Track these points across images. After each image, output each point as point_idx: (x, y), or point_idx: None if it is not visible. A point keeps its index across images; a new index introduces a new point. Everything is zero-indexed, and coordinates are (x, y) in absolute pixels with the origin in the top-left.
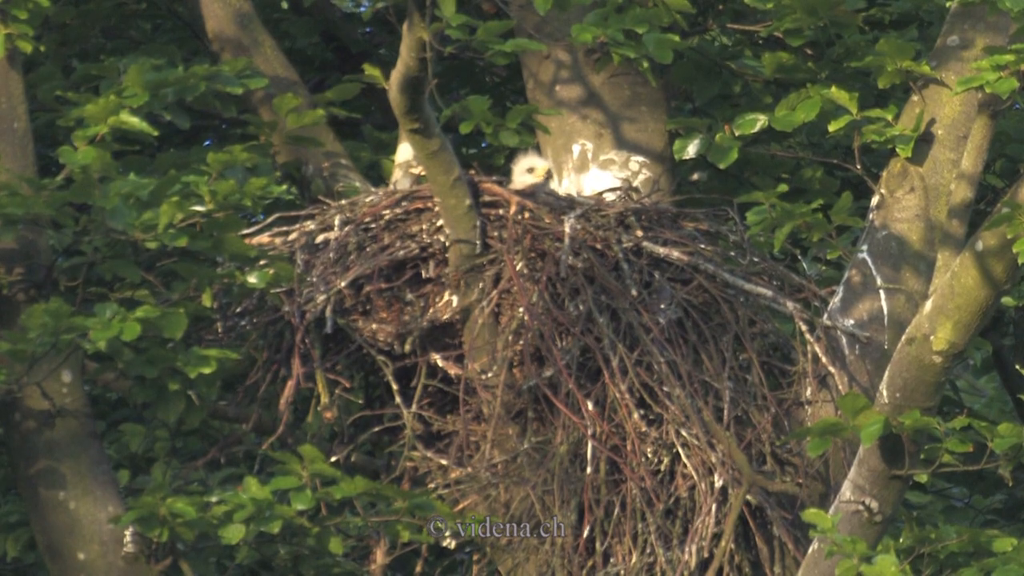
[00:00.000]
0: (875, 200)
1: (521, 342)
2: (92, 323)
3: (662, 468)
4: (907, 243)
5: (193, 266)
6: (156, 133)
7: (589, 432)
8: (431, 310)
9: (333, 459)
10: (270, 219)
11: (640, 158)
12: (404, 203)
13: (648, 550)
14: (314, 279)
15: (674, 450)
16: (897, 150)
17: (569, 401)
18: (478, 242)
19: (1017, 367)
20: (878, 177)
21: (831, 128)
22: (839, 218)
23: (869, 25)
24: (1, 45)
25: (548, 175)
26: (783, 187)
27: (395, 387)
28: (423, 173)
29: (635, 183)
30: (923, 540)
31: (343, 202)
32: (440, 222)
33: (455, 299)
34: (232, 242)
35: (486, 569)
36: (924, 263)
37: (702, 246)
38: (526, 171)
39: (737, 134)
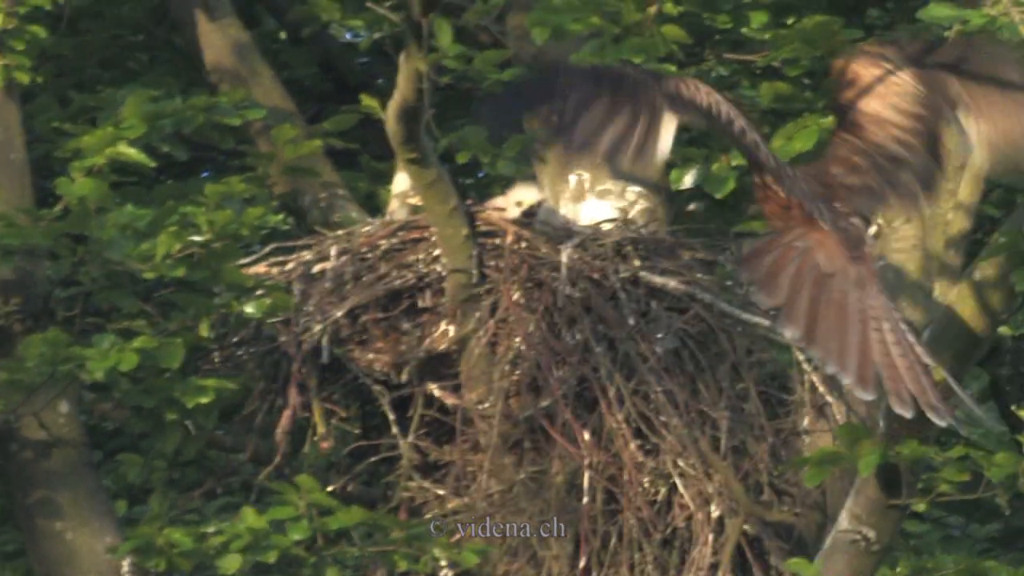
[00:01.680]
0: (872, 230)
1: (518, 372)
2: (90, 353)
3: (659, 498)
4: (905, 273)
5: (190, 296)
6: (154, 164)
7: (586, 462)
8: (428, 340)
9: (330, 489)
10: (267, 249)
11: (637, 188)
12: (401, 233)
13: None
14: (311, 309)
15: (671, 480)
16: None
17: (566, 431)
18: (475, 272)
19: (1013, 408)
20: None
21: None
22: None
23: None
24: None
25: (537, 206)
26: None
27: (392, 417)
28: (420, 203)
29: (632, 213)
30: (920, 569)
31: (340, 232)
32: (437, 252)
33: (452, 329)
34: (229, 272)
35: None
36: (922, 293)
37: (699, 275)
38: (515, 204)
39: (734, 164)
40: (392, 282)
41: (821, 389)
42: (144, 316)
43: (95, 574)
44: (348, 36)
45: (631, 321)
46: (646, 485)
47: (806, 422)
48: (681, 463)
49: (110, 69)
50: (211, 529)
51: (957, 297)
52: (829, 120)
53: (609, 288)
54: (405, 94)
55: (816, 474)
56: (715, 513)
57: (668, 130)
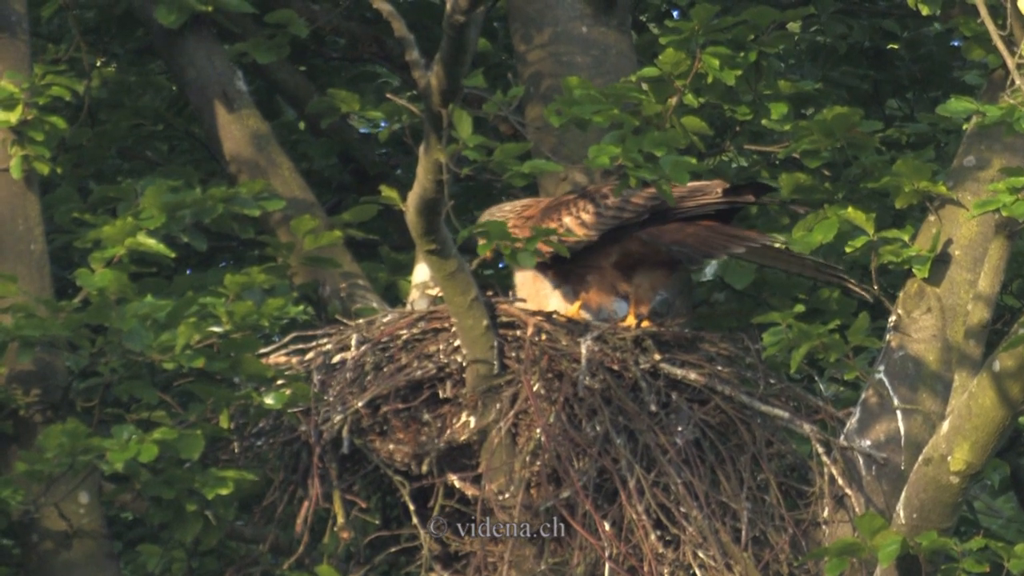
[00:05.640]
0: (892, 321)
1: (538, 463)
2: (109, 444)
3: None
4: (924, 364)
5: (210, 387)
6: (173, 255)
7: (606, 553)
8: (448, 431)
9: None
10: (287, 339)
11: None
12: (421, 323)
13: None
14: (331, 399)
15: (691, 571)
16: (914, 271)
17: (586, 522)
18: (495, 363)
19: None
20: (895, 298)
21: (848, 249)
22: (856, 339)
23: (886, 146)
24: (18, 167)
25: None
26: (800, 308)
27: (412, 507)
28: (440, 294)
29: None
30: None
31: (360, 322)
32: (457, 342)
33: (472, 420)
34: (249, 363)
35: None
36: (941, 384)
37: (719, 368)
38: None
39: None
40: (413, 373)
41: (840, 481)
42: (164, 407)
43: None
44: (368, 127)
45: (653, 407)
46: None
47: (826, 513)
48: (701, 554)
49: (130, 159)
50: None
51: (977, 388)
52: (848, 211)
53: (629, 380)
54: (425, 185)
55: (837, 565)
56: None
57: None
